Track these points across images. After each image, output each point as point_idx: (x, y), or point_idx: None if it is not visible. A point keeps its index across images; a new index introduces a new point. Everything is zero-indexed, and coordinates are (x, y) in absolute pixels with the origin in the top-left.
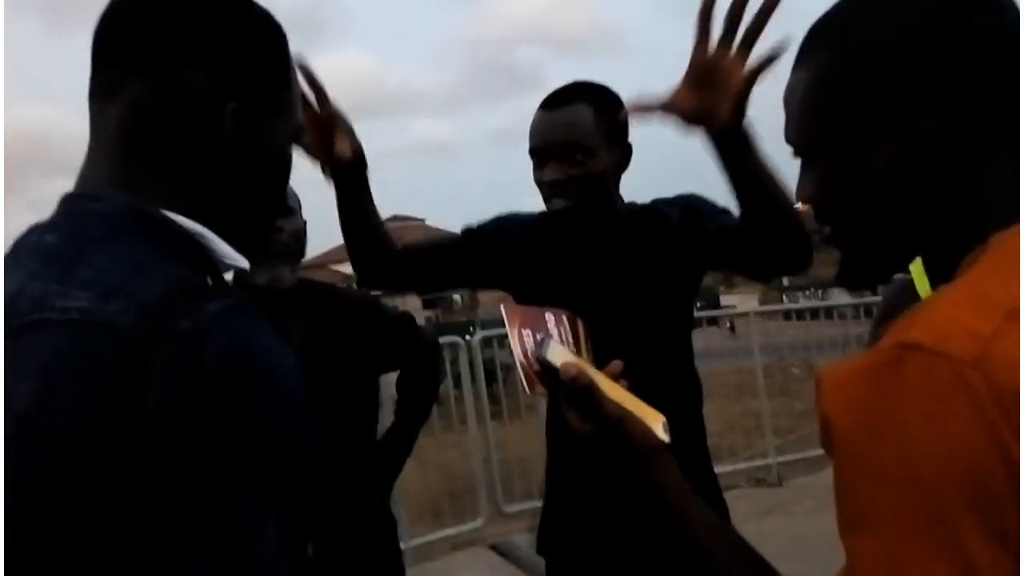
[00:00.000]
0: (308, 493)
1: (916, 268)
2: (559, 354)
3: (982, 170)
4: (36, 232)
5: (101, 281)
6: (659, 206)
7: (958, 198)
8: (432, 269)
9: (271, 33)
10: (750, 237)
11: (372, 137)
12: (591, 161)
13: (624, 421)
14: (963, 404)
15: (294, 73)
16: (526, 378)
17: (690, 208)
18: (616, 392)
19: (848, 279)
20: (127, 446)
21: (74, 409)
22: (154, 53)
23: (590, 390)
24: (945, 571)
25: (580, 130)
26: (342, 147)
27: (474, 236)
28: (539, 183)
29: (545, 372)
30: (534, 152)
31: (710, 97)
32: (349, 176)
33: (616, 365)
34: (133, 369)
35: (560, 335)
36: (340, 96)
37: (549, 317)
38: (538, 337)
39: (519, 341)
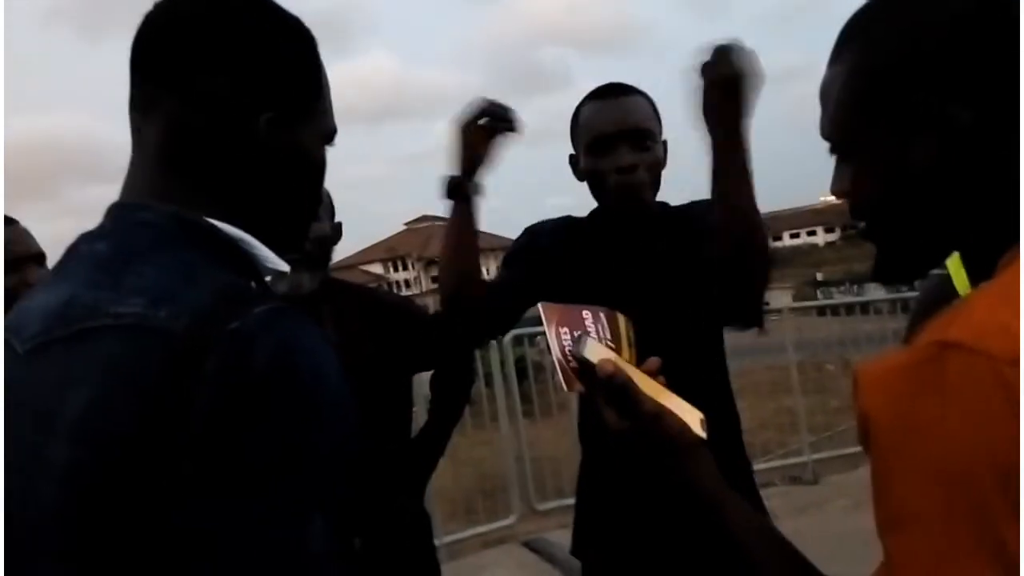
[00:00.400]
0: (352, 492)
1: (953, 264)
2: (596, 351)
3: (1018, 165)
4: (86, 240)
5: (152, 288)
6: (699, 211)
7: (994, 192)
8: (498, 313)
9: (302, 40)
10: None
11: (399, 140)
12: (656, 148)
13: (661, 418)
14: (1002, 402)
15: (325, 78)
16: (563, 376)
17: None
18: (653, 389)
19: (883, 274)
20: (177, 447)
21: (129, 412)
22: (188, 67)
23: (627, 387)
24: (984, 566)
25: (648, 117)
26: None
27: (513, 261)
28: (605, 171)
29: (582, 370)
30: (601, 139)
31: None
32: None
33: (653, 362)
34: (185, 372)
35: (597, 332)
36: (367, 100)
37: (586, 314)
38: (575, 334)
39: (556, 339)
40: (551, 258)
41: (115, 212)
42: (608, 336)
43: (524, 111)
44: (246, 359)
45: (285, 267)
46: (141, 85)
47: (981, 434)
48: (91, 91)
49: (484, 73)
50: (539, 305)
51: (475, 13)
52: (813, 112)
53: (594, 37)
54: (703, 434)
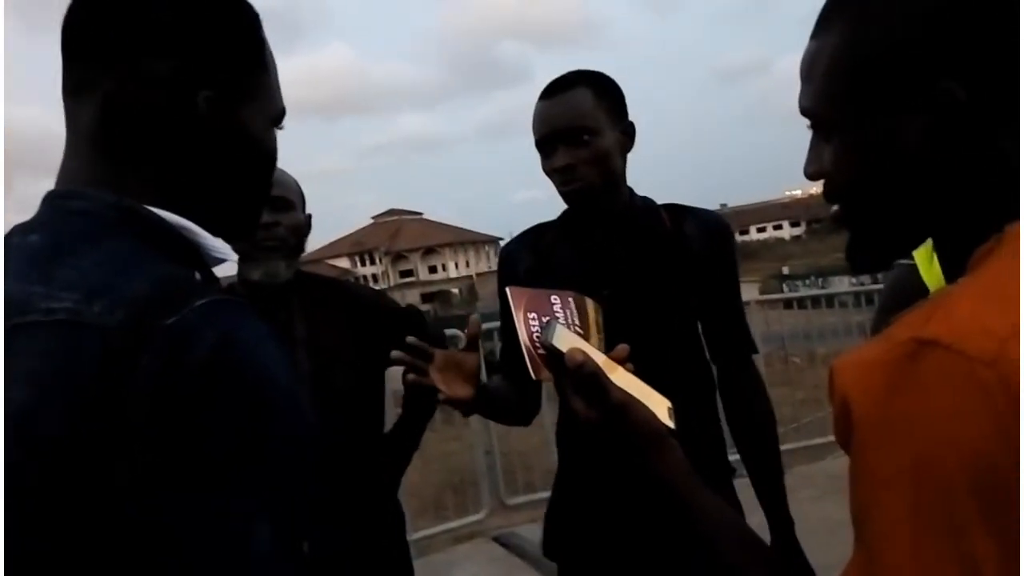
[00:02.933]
0: (301, 490)
1: (920, 255)
2: (565, 339)
3: (1005, 151)
4: (19, 232)
5: (86, 281)
6: (693, 223)
7: (980, 179)
8: None
9: (242, 16)
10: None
11: (359, 133)
12: (598, 141)
13: (629, 407)
14: (977, 403)
15: (270, 55)
16: (531, 363)
17: (720, 256)
18: (621, 377)
19: (857, 261)
20: (115, 447)
21: (63, 411)
22: (122, 46)
23: (596, 376)
24: (954, 567)
25: (583, 112)
26: (462, 390)
27: (504, 280)
28: (549, 171)
29: (550, 357)
30: (541, 142)
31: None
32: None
33: (622, 349)
34: (120, 369)
35: (566, 317)
36: (323, 93)
37: (555, 299)
38: (544, 320)
39: (524, 324)
40: (533, 271)
41: (50, 201)
42: (576, 321)
43: (485, 106)
44: (184, 355)
45: (232, 256)
46: (74, 67)
47: (953, 434)
48: (43, 84)
49: (443, 66)
50: (507, 289)
51: (430, 7)
52: (771, 108)
53: (552, 32)
54: (671, 423)
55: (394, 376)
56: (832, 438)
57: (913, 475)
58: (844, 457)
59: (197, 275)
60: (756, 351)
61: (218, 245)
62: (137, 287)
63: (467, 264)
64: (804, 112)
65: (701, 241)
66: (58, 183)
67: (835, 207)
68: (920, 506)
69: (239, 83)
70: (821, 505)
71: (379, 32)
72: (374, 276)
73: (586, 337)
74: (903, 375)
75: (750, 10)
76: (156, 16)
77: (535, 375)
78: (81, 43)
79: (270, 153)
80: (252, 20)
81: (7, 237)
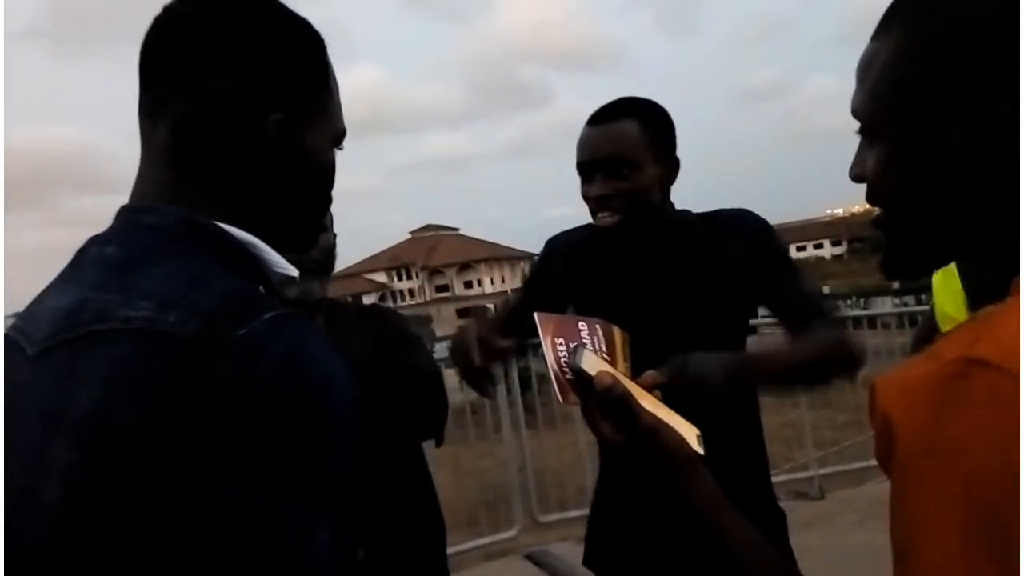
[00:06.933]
0: (357, 498)
1: (939, 284)
2: (593, 363)
3: None
4: (96, 244)
5: (161, 292)
6: (720, 230)
7: (1018, 194)
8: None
9: (309, 41)
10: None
11: (389, 152)
12: (637, 175)
13: (659, 432)
14: None
15: (334, 79)
16: (559, 387)
17: (757, 248)
18: (650, 403)
19: (892, 267)
20: (184, 451)
21: (135, 414)
22: (195, 70)
23: (625, 400)
24: None
25: (626, 145)
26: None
27: (535, 277)
28: (585, 198)
29: (579, 381)
30: (581, 167)
31: None
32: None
33: (650, 375)
34: (193, 377)
35: (593, 343)
36: (353, 112)
37: (582, 326)
38: (571, 346)
39: (552, 350)
40: (572, 263)
41: (124, 215)
42: (603, 348)
43: (508, 126)
44: (254, 366)
45: (294, 272)
46: (150, 89)
47: (1004, 455)
48: (81, 104)
49: (466, 89)
50: (534, 315)
51: (453, 31)
52: (799, 128)
53: (572, 56)
54: (700, 450)
55: None
56: (874, 462)
57: (963, 498)
58: (886, 482)
59: (261, 289)
60: (843, 325)
61: (281, 261)
62: (208, 299)
63: (502, 280)
64: (855, 113)
65: (735, 245)
66: (132, 198)
67: (877, 211)
68: (970, 529)
69: (306, 106)
70: (862, 531)
71: (403, 54)
72: (410, 291)
73: (613, 364)
74: (952, 394)
75: (769, 33)
76: (228, 41)
77: (563, 399)
78: (157, 66)
79: (331, 173)
80: (318, 44)
81: (84, 248)
